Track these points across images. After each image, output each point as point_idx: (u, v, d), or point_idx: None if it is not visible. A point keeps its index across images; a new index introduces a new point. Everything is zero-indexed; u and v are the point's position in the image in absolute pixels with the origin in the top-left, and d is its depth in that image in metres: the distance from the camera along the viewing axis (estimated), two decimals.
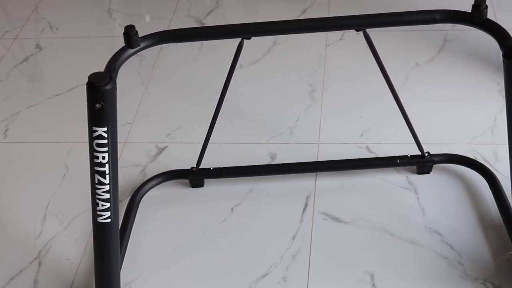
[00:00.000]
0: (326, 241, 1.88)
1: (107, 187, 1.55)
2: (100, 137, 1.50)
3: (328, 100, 2.32)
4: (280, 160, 2.11)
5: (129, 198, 2.02)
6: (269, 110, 2.31)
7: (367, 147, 2.14)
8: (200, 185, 2.06)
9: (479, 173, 1.98)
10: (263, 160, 2.13)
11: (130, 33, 1.53)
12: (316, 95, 2.34)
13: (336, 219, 1.93)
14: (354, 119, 2.24)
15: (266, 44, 2.57)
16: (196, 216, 1.99)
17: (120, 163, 2.15)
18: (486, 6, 1.47)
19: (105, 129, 1.49)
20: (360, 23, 1.56)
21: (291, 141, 2.19)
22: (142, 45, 1.56)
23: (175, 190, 2.06)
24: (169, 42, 1.61)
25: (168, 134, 2.26)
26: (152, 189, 2.05)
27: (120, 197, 2.03)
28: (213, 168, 2.02)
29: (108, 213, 1.59)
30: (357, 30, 1.59)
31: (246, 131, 2.24)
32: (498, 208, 1.87)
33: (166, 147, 2.22)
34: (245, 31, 1.57)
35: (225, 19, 2.79)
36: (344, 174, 2.04)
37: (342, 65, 2.46)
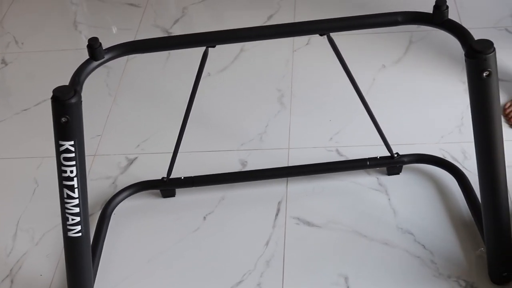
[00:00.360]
0: (300, 246, 1.88)
1: (76, 201, 1.54)
2: (67, 151, 1.48)
3: (297, 104, 2.32)
4: (251, 166, 2.11)
5: (100, 211, 2.00)
6: (239, 117, 2.31)
7: (337, 150, 2.15)
8: (172, 195, 2.05)
9: (448, 172, 2.00)
10: (234, 167, 2.12)
11: (93, 46, 1.53)
12: (285, 100, 2.35)
13: (308, 223, 1.94)
14: (323, 123, 2.24)
15: (233, 51, 2.58)
16: (168, 226, 1.98)
17: (90, 176, 2.15)
18: (447, 7, 1.49)
19: (72, 142, 1.48)
20: (323, 27, 1.56)
21: (261, 147, 2.19)
22: (106, 57, 1.56)
23: (146, 201, 2.06)
24: (133, 53, 1.60)
25: (138, 145, 2.25)
26: (124, 201, 2.04)
27: (91, 210, 2.02)
28: (184, 177, 2.02)
29: (78, 227, 1.57)
30: (320, 35, 1.59)
31: (216, 139, 2.24)
32: (468, 206, 1.89)
33: (136, 158, 2.21)
34: (209, 39, 1.57)
35: (192, 28, 2.79)
36: (315, 178, 2.05)
37: (309, 69, 2.47)
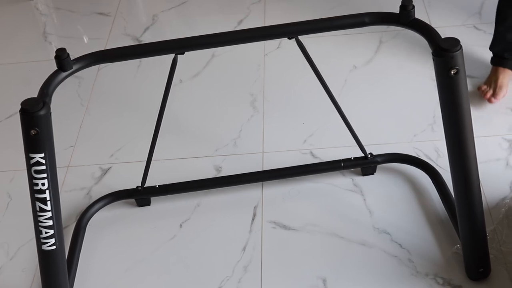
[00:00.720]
0: (277, 250, 1.88)
1: (49, 214, 1.53)
2: (38, 163, 1.47)
3: (270, 108, 2.32)
4: (225, 172, 2.11)
5: (75, 222, 1.98)
6: (212, 122, 2.31)
7: (311, 152, 2.15)
8: (147, 203, 2.04)
9: (422, 170, 2.01)
10: (209, 173, 2.12)
11: (61, 56, 1.52)
12: (258, 104, 2.35)
13: (285, 227, 1.94)
14: (297, 126, 2.25)
15: (204, 57, 2.57)
16: (145, 235, 1.97)
17: (64, 188, 2.13)
18: (413, 6, 1.49)
19: (42, 155, 1.46)
20: (291, 31, 1.57)
21: (236, 152, 2.18)
22: (75, 67, 1.55)
23: (122, 211, 2.04)
24: (102, 63, 1.60)
25: (112, 155, 2.24)
26: (99, 211, 2.03)
27: (66, 222, 2.00)
28: (158, 185, 2.01)
29: (52, 240, 1.56)
30: (289, 38, 1.59)
31: (190, 145, 2.23)
32: (443, 203, 1.90)
33: (110, 168, 2.20)
34: (177, 46, 1.57)
35: (163, 35, 2.78)
36: (290, 181, 2.05)
37: (281, 73, 2.47)
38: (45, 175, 1.49)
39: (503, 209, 1.88)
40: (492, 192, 1.93)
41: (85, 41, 2.81)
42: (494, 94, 2.20)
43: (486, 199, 1.91)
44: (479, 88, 2.24)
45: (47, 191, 1.50)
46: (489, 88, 2.22)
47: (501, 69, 2.22)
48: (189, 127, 2.30)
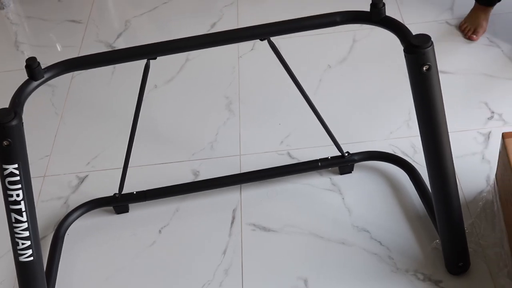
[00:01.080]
0: (257, 252, 1.88)
1: (25, 225, 1.51)
2: (12, 174, 1.45)
3: (246, 110, 2.32)
4: (203, 176, 2.10)
5: (53, 232, 1.97)
6: (188, 127, 2.30)
7: (288, 153, 2.15)
8: (125, 210, 2.03)
9: (399, 167, 2.02)
10: (187, 178, 2.11)
11: (32, 65, 1.50)
12: (233, 107, 2.34)
13: (264, 229, 1.93)
14: (273, 127, 2.24)
15: (178, 61, 2.56)
16: (124, 243, 1.95)
17: (41, 197, 2.11)
18: (384, 4, 1.50)
19: (16, 166, 1.45)
20: (262, 32, 1.56)
21: (213, 156, 2.18)
22: (46, 76, 1.53)
23: (100, 219, 2.03)
24: (73, 71, 1.58)
25: (88, 163, 2.22)
26: (77, 220, 2.01)
27: (43, 233, 1.99)
28: (136, 192, 2.00)
29: (29, 251, 1.54)
30: (261, 40, 1.59)
31: (167, 150, 2.22)
32: (421, 199, 1.91)
33: (87, 176, 2.18)
34: (148, 51, 1.56)
35: (136, 40, 2.76)
36: (268, 183, 2.05)
37: (256, 74, 2.47)
38: (19, 186, 1.47)
39: (480, 203, 1.89)
40: (469, 186, 1.94)
41: (59, 49, 2.79)
42: (475, 32, 2.42)
43: (464, 193, 1.92)
44: (460, 26, 2.48)
45: (22, 202, 1.49)
46: (470, 26, 2.44)
47: (483, 8, 2.43)
48: (165, 132, 2.29)
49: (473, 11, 2.48)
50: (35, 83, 1.52)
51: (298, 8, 2.71)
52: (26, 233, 1.52)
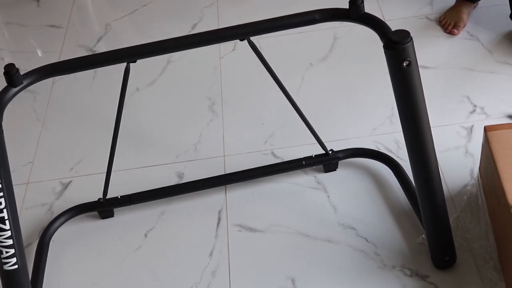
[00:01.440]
0: (244, 253, 1.87)
1: (8, 233, 1.50)
2: None
3: (229, 111, 2.31)
4: (188, 178, 2.09)
5: (38, 239, 1.95)
6: (171, 129, 2.29)
7: (272, 153, 2.15)
8: (110, 215, 2.02)
9: (383, 163, 2.02)
10: (171, 180, 2.10)
11: (10, 72, 1.49)
12: (216, 108, 2.33)
13: (250, 229, 1.93)
14: (256, 127, 2.24)
15: (160, 63, 2.55)
16: (110, 248, 1.94)
17: (25, 205, 2.09)
18: (362, 1, 1.50)
19: None
20: (242, 32, 1.56)
21: (197, 157, 2.17)
22: (25, 82, 1.52)
23: (85, 225, 2.02)
24: (53, 76, 1.57)
25: (72, 168, 2.21)
26: (61, 226, 2.00)
27: (28, 240, 1.97)
28: (120, 196, 1.99)
29: (13, 259, 1.53)
30: (241, 40, 1.59)
31: (150, 153, 2.21)
32: (405, 194, 1.91)
33: (70, 181, 2.16)
34: (128, 55, 1.55)
35: (117, 44, 2.74)
36: (253, 183, 2.04)
37: (238, 75, 2.47)
38: (1, 193, 1.46)
39: (465, 197, 1.89)
40: (453, 181, 1.95)
41: (39, 55, 2.77)
42: (455, 26, 2.44)
43: (448, 187, 1.93)
44: (440, 21, 2.49)
45: (4, 210, 1.47)
46: (450, 20, 2.45)
47: (466, 3, 2.46)
48: (148, 135, 2.28)
49: (455, 6, 2.50)
50: (14, 90, 1.50)
51: (279, 7, 2.71)
52: (10, 241, 1.51)
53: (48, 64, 1.56)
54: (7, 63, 2.72)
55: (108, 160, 1.84)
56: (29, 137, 2.35)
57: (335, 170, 2.05)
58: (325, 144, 1.98)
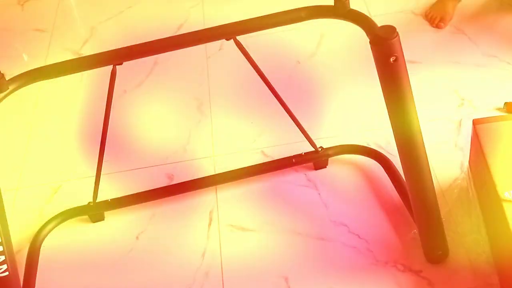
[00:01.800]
0: (236, 253, 1.87)
1: None
2: None
3: (217, 111, 2.31)
4: (178, 179, 2.09)
5: (29, 245, 1.94)
6: (160, 130, 2.28)
7: (262, 151, 2.14)
8: (101, 219, 2.01)
9: (373, 159, 2.02)
10: (161, 182, 2.09)
11: None
12: (204, 108, 2.33)
13: (242, 229, 1.92)
14: (245, 126, 2.23)
15: (147, 65, 2.54)
16: (101, 251, 1.93)
17: (14, 211, 2.08)
18: None
19: None
20: (227, 32, 1.55)
21: (186, 158, 2.16)
22: (10, 87, 1.50)
23: (76, 229, 2.01)
24: (37, 81, 1.55)
25: (61, 173, 2.20)
26: (52, 231, 1.98)
27: (19, 246, 1.96)
28: (110, 199, 1.98)
29: (4, 266, 1.52)
30: (227, 39, 1.58)
31: (140, 155, 2.20)
32: (396, 190, 1.91)
33: (60, 186, 2.15)
34: (114, 57, 1.54)
35: (103, 46, 2.73)
36: (244, 183, 2.04)
37: (225, 74, 2.46)
38: None
39: (456, 190, 1.89)
40: (444, 175, 1.95)
41: (25, 59, 2.76)
42: (442, 20, 2.45)
43: (439, 182, 1.93)
44: (426, 15, 2.50)
45: None
46: (436, 15, 2.46)
47: None
48: (137, 137, 2.27)
49: (441, 0, 2.50)
50: (0, 96, 1.49)
51: (265, 6, 2.70)
52: (0, 248, 1.49)
53: (34, 69, 1.54)
54: None
55: (97, 164, 1.83)
56: (18, 142, 2.33)
57: (325, 167, 2.04)
58: (315, 141, 1.97)
